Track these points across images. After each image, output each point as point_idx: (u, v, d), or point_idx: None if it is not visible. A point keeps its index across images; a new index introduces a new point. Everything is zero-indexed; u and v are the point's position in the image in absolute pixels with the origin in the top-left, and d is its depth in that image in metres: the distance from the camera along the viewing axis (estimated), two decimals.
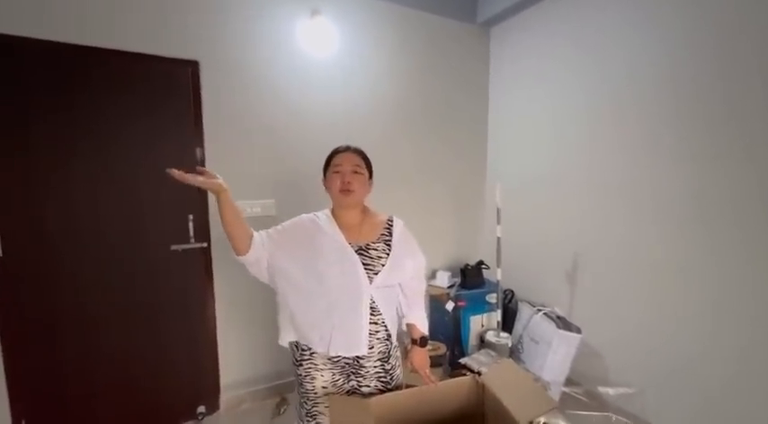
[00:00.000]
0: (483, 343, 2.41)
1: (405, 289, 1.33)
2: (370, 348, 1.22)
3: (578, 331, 2.10)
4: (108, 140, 1.75)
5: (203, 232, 1.97)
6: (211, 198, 1.96)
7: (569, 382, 2.15)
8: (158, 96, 1.83)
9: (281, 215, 2.15)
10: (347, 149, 1.28)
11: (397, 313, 1.34)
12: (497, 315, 2.33)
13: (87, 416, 1.82)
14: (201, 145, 1.92)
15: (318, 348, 1.18)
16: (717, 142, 1.60)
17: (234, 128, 2.00)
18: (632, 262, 1.96)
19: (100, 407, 1.83)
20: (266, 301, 2.17)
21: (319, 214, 1.28)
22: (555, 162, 2.36)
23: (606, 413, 1.96)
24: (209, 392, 2.06)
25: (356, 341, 1.18)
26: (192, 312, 1.99)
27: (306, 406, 1.26)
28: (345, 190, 1.20)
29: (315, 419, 1.25)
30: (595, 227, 2.14)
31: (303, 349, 1.24)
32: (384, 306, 1.23)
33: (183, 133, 1.90)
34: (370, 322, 1.20)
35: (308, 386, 1.24)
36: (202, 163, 1.93)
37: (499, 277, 2.28)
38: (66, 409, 1.77)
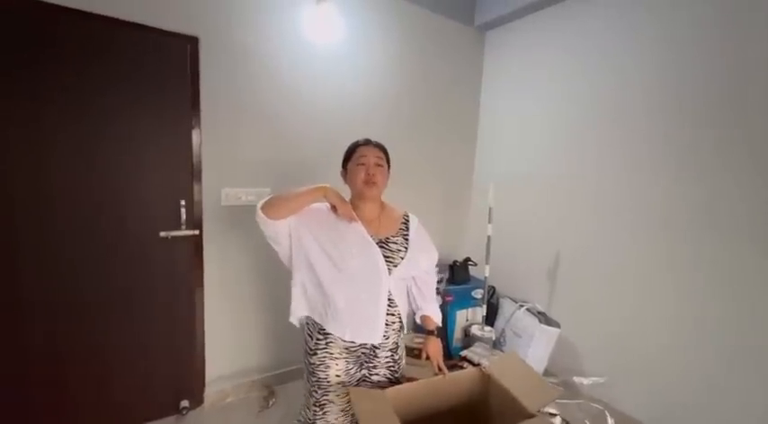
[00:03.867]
0: (467, 336, 2.50)
1: (419, 283, 1.37)
2: (386, 338, 1.26)
3: (557, 325, 2.25)
4: (91, 116, 1.60)
5: (195, 218, 1.87)
6: (205, 182, 1.87)
7: (546, 373, 2.30)
8: (152, 72, 1.70)
9: None
10: (369, 143, 1.29)
11: (409, 304, 1.39)
12: (482, 310, 2.44)
13: (59, 410, 1.68)
14: (199, 127, 1.82)
15: (335, 331, 1.20)
16: (693, 152, 1.77)
17: (233, 113, 1.91)
18: (608, 262, 2.13)
19: (73, 401, 1.70)
20: (257, 292, 2.13)
21: None
22: (540, 164, 2.49)
23: (580, 401, 2.12)
24: (193, 385, 1.97)
25: (372, 330, 1.22)
26: (179, 302, 1.89)
27: (316, 395, 1.26)
28: (370, 182, 1.22)
29: (323, 408, 1.27)
30: (577, 228, 2.29)
31: (319, 339, 1.24)
32: (399, 298, 1.27)
33: (179, 114, 1.78)
34: (388, 314, 1.24)
35: (321, 375, 1.24)
36: (199, 147, 1.83)
37: (487, 273, 2.38)
38: (35, 403, 1.63)
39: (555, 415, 1.56)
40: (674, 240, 1.85)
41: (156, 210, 1.78)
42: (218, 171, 1.91)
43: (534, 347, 2.21)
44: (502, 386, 1.29)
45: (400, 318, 1.30)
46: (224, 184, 1.93)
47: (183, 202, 1.82)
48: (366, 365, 1.29)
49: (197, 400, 1.99)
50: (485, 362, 1.47)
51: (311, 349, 1.26)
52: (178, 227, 1.82)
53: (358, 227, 1.21)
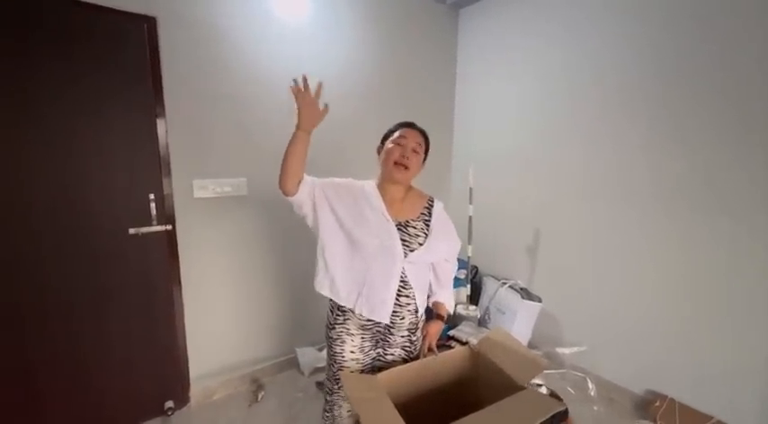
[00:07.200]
0: (453, 316, 2.54)
1: (437, 270, 1.36)
2: (402, 319, 1.27)
3: (539, 300, 2.32)
4: (43, 105, 1.47)
5: (167, 213, 1.77)
6: (175, 174, 1.77)
7: (530, 345, 2.37)
8: (109, 58, 1.57)
9: (254, 194, 2.03)
10: (413, 126, 1.29)
11: (429, 288, 1.38)
12: (467, 290, 2.47)
13: (34, 420, 1.59)
14: (164, 115, 1.71)
15: (346, 303, 1.22)
16: (672, 127, 1.82)
17: (200, 99, 1.80)
18: (584, 237, 2.19)
19: (48, 410, 1.61)
20: (238, 286, 2.06)
21: (364, 183, 1.27)
22: (519, 144, 2.51)
23: (563, 370, 2.20)
24: (177, 384, 1.91)
25: (380, 309, 1.21)
26: (156, 301, 1.81)
27: (333, 368, 1.30)
28: (401, 165, 1.21)
29: (338, 382, 1.29)
30: (554, 206, 2.34)
31: (338, 314, 1.26)
32: (415, 280, 1.26)
33: (141, 101, 1.66)
34: (402, 295, 1.24)
35: (337, 349, 1.27)
36: (165, 136, 1.72)
37: (470, 253, 2.40)
38: (5, 412, 1.53)
39: (540, 385, 1.61)
40: (649, 213, 1.91)
41: (123, 206, 1.68)
42: (188, 161, 1.81)
43: (518, 322, 2.27)
44: (491, 362, 1.31)
45: (415, 300, 1.28)
46: (195, 175, 1.83)
47: (151, 196, 1.72)
48: (382, 343, 1.30)
49: (182, 399, 1.94)
50: (472, 340, 1.48)
51: (330, 324, 1.29)
52: (148, 223, 1.73)
53: (380, 208, 1.20)
